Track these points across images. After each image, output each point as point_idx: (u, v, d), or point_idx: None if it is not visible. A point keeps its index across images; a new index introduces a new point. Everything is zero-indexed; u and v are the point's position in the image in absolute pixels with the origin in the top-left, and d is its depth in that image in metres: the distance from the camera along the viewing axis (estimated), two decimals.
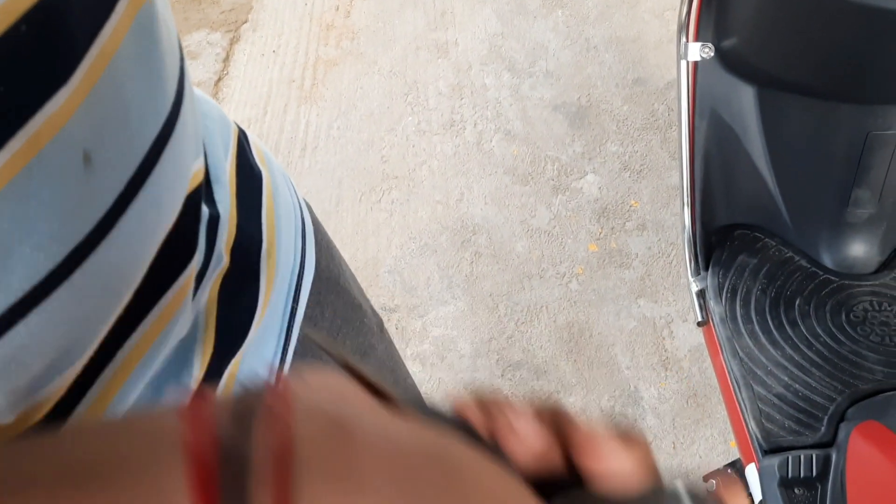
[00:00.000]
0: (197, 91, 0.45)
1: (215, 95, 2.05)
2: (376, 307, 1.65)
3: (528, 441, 0.24)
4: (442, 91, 1.94)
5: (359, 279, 1.71)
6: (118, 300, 0.31)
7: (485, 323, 1.52)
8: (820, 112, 0.99)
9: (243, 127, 0.49)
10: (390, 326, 1.54)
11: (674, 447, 1.33)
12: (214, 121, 0.44)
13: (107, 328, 0.31)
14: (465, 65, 1.99)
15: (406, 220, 1.70)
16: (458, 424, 0.24)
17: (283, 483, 0.19)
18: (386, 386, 0.24)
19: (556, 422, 0.25)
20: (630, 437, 0.25)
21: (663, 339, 1.45)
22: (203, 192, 0.39)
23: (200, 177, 0.37)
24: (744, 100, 1.03)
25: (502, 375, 1.44)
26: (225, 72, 2.13)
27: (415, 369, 1.47)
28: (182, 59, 0.34)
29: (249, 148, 0.48)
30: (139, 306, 0.33)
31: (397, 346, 1.53)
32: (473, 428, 0.24)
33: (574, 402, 1.40)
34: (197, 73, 2.11)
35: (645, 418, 1.37)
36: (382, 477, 0.20)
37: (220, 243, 0.40)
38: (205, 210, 0.39)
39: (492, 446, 0.23)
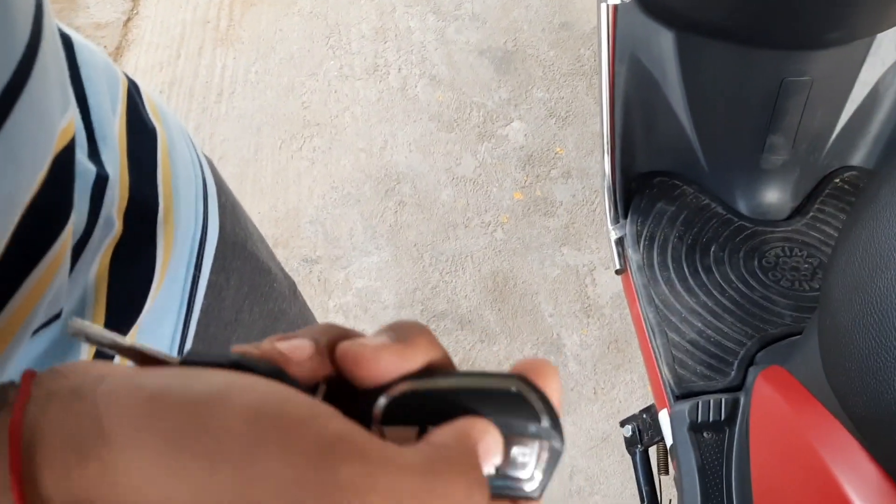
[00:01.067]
0: (78, 37, 0.40)
1: (124, 37, 1.93)
2: (298, 259, 1.62)
3: (298, 354, 0.24)
4: (365, 34, 1.87)
5: (279, 230, 1.65)
6: None
7: (409, 273, 1.49)
8: (737, 58, 0.98)
9: (155, 72, 0.44)
10: (312, 278, 1.50)
11: (594, 392, 1.35)
12: (99, 72, 0.40)
13: None
14: (389, 6, 1.92)
15: (328, 169, 1.65)
16: (234, 361, 0.24)
17: (15, 462, 0.19)
18: (156, 351, 0.24)
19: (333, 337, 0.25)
20: (410, 334, 0.25)
21: (586, 286, 1.46)
22: (78, 151, 0.35)
23: (71, 133, 0.33)
24: (663, 45, 1.02)
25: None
26: (134, 11, 2.00)
27: (337, 322, 1.45)
28: None
29: (142, 101, 0.44)
30: (4, 282, 0.29)
31: (319, 299, 1.50)
32: (250, 359, 0.24)
33: (497, 351, 1.40)
34: (104, 13, 1.98)
35: (567, 365, 1.38)
36: (127, 432, 0.20)
37: (109, 208, 0.37)
38: (90, 170, 0.36)
39: (269, 370, 0.23)
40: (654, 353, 0.96)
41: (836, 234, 1.02)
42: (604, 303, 1.43)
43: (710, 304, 0.97)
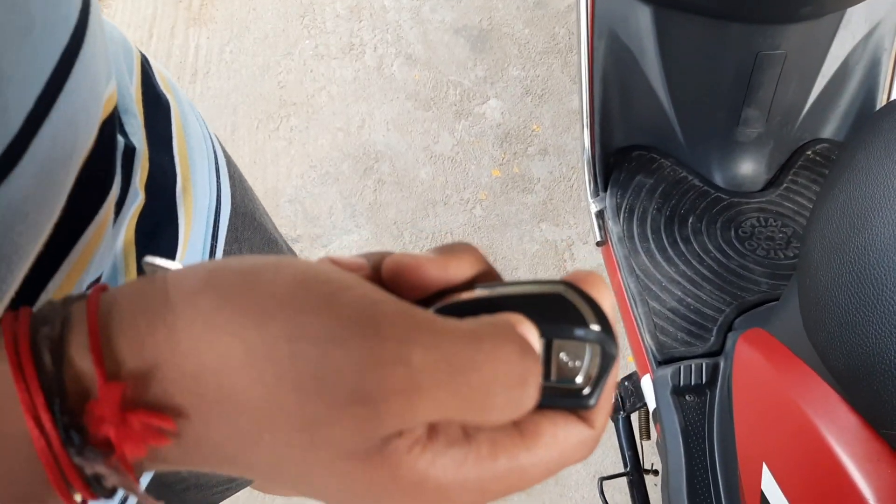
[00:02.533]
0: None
1: None
2: None
3: (355, 269, 0.25)
4: (340, 13, 1.86)
5: None
6: (38, 235, 0.29)
7: (390, 251, 1.50)
8: (713, 32, 1.00)
9: None
10: None
11: None
12: (117, 44, 0.41)
13: (26, 267, 0.28)
14: None
15: (306, 148, 1.65)
16: None
17: (93, 327, 0.21)
18: None
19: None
20: (454, 250, 0.25)
21: (565, 261, 1.48)
22: (117, 120, 0.37)
23: (114, 101, 0.34)
24: (641, 20, 1.03)
25: None
26: None
27: None
28: None
29: (153, 74, 0.45)
30: (60, 242, 0.30)
31: None
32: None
33: None
34: None
35: None
36: (187, 298, 0.21)
37: (135, 178, 0.38)
38: (120, 140, 0.37)
39: None
40: (636, 321, 0.98)
41: (808, 205, 1.05)
42: None
43: (689, 273, 1.00)
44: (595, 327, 0.23)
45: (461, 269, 0.25)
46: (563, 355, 0.23)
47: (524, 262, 1.48)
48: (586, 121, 1.09)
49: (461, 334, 0.21)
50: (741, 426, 0.74)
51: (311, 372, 0.20)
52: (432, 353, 0.20)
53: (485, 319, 0.22)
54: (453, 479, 0.21)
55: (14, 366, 0.20)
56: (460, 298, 0.24)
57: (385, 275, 0.25)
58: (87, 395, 0.21)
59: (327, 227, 1.54)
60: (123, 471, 0.21)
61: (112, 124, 0.34)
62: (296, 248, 1.51)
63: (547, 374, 0.23)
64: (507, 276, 1.45)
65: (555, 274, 1.47)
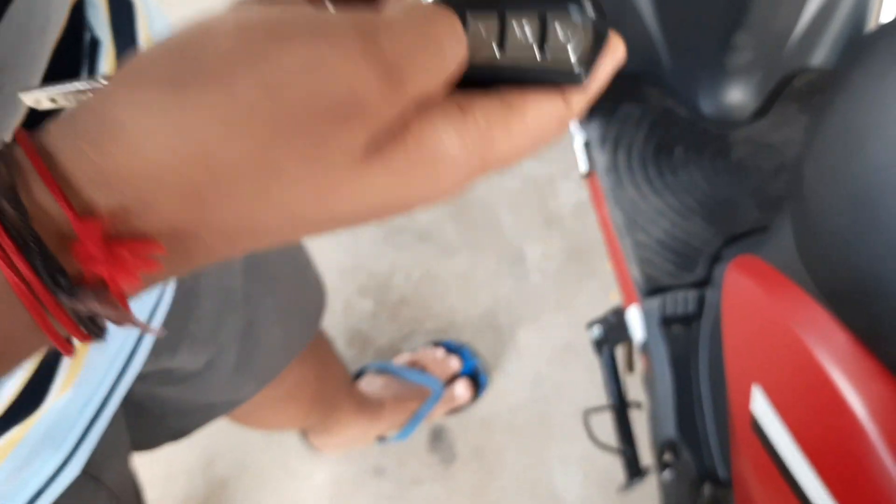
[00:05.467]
0: None
1: None
2: None
3: None
4: None
5: None
6: (14, 114, 0.28)
7: None
8: None
9: None
10: None
11: (557, 302, 1.36)
12: None
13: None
14: None
15: None
16: None
17: (38, 163, 0.20)
18: None
19: None
20: None
21: (546, 197, 1.45)
22: (85, 10, 0.37)
23: None
24: None
25: (385, 240, 1.41)
26: None
27: None
28: None
29: None
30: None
31: None
32: None
33: (459, 263, 1.39)
34: None
35: (529, 277, 1.38)
36: (128, 83, 0.21)
37: (101, 74, 0.38)
38: (86, 32, 0.37)
39: None
40: (623, 253, 0.97)
41: (796, 136, 1.03)
42: (565, 213, 1.43)
43: (676, 204, 0.98)
44: (589, 8, 0.24)
45: None
46: (558, 30, 0.24)
47: (505, 198, 1.45)
48: None
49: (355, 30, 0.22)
50: (731, 352, 0.73)
51: (300, 100, 0.20)
52: (397, 39, 0.21)
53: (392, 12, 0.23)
54: (460, 151, 0.23)
55: None
56: None
57: None
58: (66, 237, 0.20)
59: None
60: (120, 305, 0.21)
61: (80, 13, 0.33)
62: None
63: (543, 50, 0.24)
64: (486, 216, 1.42)
65: (536, 211, 1.44)
